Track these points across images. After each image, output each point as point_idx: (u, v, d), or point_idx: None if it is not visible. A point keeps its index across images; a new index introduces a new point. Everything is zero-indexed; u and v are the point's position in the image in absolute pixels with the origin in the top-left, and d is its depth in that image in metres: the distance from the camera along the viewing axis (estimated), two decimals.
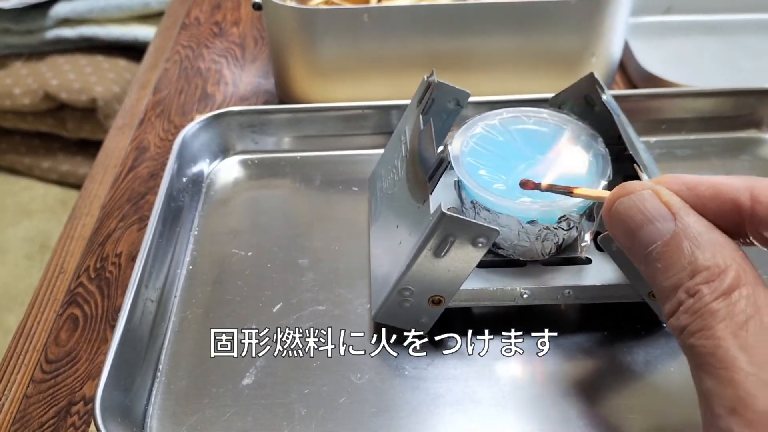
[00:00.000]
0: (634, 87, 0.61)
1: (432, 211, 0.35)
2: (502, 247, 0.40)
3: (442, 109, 0.44)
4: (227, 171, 0.51)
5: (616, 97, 0.46)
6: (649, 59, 0.61)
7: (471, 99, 0.43)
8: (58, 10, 1.26)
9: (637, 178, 0.40)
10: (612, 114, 0.42)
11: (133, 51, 1.30)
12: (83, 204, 0.53)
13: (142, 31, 1.26)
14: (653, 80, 0.59)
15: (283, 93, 0.58)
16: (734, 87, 0.53)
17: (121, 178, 0.54)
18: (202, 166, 0.51)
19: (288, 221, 0.47)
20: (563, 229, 0.39)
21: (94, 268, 0.47)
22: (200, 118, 0.50)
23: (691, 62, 0.66)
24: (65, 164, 1.36)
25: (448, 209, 0.33)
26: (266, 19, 0.55)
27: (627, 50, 0.62)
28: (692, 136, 0.53)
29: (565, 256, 0.41)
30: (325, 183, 0.50)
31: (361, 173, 0.50)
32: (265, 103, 0.60)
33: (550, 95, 0.47)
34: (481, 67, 0.54)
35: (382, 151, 0.51)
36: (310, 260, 0.44)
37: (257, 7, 0.56)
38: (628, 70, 0.63)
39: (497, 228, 0.34)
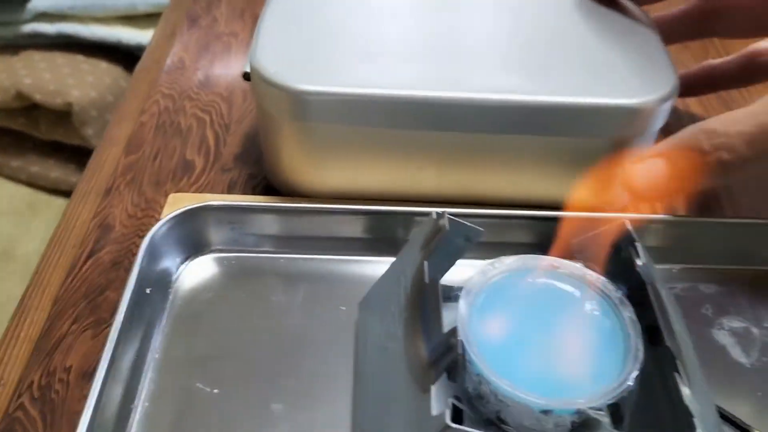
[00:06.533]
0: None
1: (434, 412, 0.29)
2: (508, 423, 0.34)
3: (450, 243, 0.38)
4: (199, 272, 0.45)
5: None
6: None
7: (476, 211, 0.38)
8: (36, 4, 1.18)
9: (662, 340, 0.35)
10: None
11: (116, 53, 1.23)
12: (34, 294, 0.46)
13: (126, 34, 1.19)
14: None
15: (272, 174, 0.52)
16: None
17: (79, 265, 0.48)
18: (171, 266, 0.45)
19: (263, 347, 0.42)
20: (582, 413, 0.33)
21: (38, 386, 0.41)
22: (173, 214, 0.44)
23: None
24: (36, 165, 1.28)
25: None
26: (254, 94, 0.49)
27: None
28: (720, 267, 0.48)
29: None
30: (310, 297, 0.45)
31: (351, 285, 0.45)
32: (249, 176, 0.54)
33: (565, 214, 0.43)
34: (492, 165, 0.49)
35: (374, 259, 0.46)
36: (285, 405, 0.39)
37: (247, 77, 0.50)
38: None
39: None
